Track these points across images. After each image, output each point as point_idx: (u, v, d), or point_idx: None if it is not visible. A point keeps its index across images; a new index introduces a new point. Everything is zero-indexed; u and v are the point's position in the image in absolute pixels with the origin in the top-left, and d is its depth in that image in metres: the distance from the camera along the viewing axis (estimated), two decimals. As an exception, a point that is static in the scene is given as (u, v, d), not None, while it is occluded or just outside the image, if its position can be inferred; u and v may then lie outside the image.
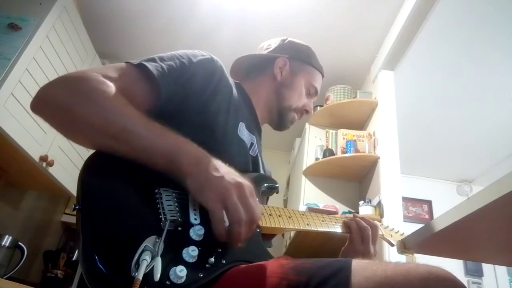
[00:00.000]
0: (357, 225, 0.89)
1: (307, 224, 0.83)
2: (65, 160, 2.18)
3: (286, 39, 1.07)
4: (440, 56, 2.61)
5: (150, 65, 0.73)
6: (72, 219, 2.79)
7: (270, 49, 1.06)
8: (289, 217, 0.81)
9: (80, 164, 0.62)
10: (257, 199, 0.62)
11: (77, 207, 0.55)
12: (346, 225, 0.91)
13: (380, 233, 0.97)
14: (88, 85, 0.64)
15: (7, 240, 1.96)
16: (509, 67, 2.60)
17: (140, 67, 0.73)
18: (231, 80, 0.92)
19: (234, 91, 0.90)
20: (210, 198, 0.57)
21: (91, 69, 0.70)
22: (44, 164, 1.94)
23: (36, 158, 1.88)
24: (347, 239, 0.91)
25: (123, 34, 2.85)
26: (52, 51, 1.93)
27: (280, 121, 1.02)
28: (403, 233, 1.02)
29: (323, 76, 1.09)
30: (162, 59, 0.76)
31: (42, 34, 1.82)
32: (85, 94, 0.63)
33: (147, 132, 0.62)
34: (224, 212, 0.57)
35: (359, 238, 0.88)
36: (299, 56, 1.04)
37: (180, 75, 0.76)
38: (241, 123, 0.87)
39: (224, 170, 0.61)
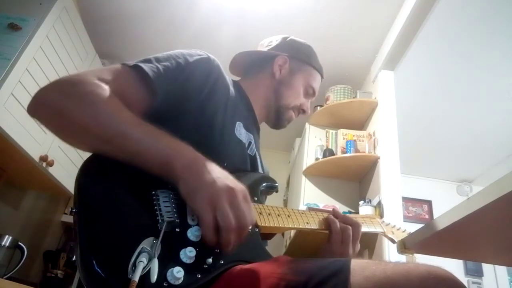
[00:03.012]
0: (338, 225, 0.83)
1: (307, 223, 0.82)
2: (65, 160, 2.18)
3: (288, 37, 1.06)
4: (440, 56, 2.61)
5: (146, 66, 0.72)
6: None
7: (271, 46, 1.04)
8: (288, 216, 0.80)
9: (80, 164, 0.62)
10: (251, 204, 0.61)
11: (74, 210, 0.55)
12: (326, 224, 0.84)
13: (380, 230, 0.97)
14: (82, 88, 0.64)
15: (7, 240, 1.96)
16: (509, 67, 2.60)
17: (136, 68, 0.72)
18: (229, 79, 0.91)
19: (232, 90, 0.89)
20: (200, 203, 0.56)
21: (86, 71, 0.69)
22: (44, 164, 1.94)
23: (36, 158, 1.88)
24: (326, 237, 0.85)
25: (123, 34, 2.85)
26: (52, 51, 1.93)
27: (277, 120, 1.01)
28: (405, 230, 1.02)
29: (322, 77, 1.08)
30: (158, 60, 0.75)
31: (42, 34, 1.82)
32: (79, 98, 0.63)
33: (142, 135, 0.61)
34: (213, 217, 0.55)
35: (339, 239, 0.81)
36: (299, 56, 1.03)
37: (176, 76, 0.75)
38: (238, 122, 0.87)
39: (217, 174, 0.59)
